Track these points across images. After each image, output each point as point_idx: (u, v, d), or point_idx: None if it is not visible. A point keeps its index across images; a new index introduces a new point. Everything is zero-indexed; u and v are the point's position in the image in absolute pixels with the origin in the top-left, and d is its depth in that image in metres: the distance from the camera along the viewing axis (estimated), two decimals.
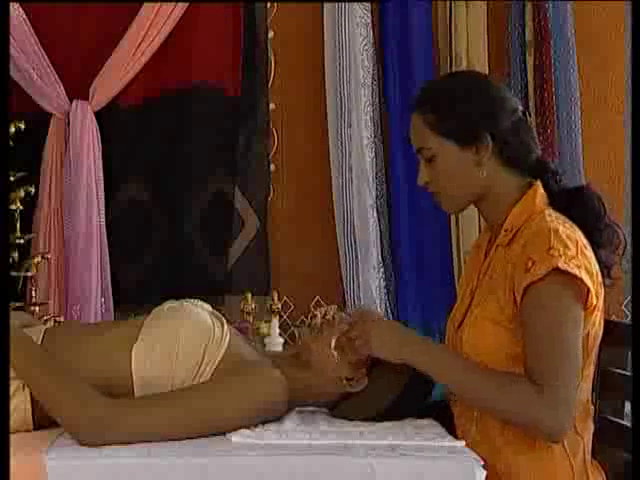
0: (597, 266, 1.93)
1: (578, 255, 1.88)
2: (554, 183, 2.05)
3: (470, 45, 3.56)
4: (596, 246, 1.97)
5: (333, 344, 2.01)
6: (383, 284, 3.56)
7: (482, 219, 2.16)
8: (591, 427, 2.00)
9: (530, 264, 1.87)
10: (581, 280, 1.86)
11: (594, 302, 1.90)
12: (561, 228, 1.91)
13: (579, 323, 1.89)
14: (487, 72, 3.53)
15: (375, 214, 3.57)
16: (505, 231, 2.00)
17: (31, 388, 1.87)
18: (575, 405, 1.88)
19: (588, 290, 1.88)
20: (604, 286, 1.97)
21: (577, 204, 2.01)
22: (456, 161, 2.01)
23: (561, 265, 1.84)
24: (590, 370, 1.98)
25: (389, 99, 3.62)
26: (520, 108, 2.06)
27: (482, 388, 1.91)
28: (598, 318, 1.95)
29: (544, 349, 1.85)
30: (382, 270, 3.56)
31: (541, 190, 2.02)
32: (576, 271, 1.85)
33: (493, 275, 1.99)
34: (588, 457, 1.98)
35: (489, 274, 2.01)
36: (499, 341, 1.94)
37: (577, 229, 1.95)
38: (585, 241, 1.94)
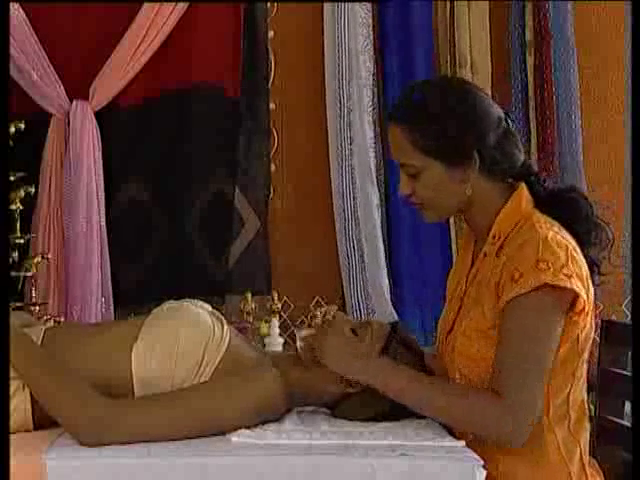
0: (587, 268, 1.91)
1: (568, 262, 1.85)
2: (539, 186, 2.02)
3: (473, 45, 3.56)
4: (586, 246, 1.95)
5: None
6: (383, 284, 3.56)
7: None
8: (587, 427, 1.98)
9: (517, 275, 1.85)
10: (570, 290, 1.84)
11: (584, 306, 1.88)
12: (550, 234, 1.88)
13: (555, 338, 1.87)
14: (490, 71, 3.54)
15: (380, 214, 3.56)
16: (493, 238, 1.97)
17: (31, 388, 1.87)
18: (536, 413, 1.85)
19: (577, 295, 1.86)
20: (595, 285, 1.95)
21: (564, 206, 1.99)
22: (442, 178, 1.96)
23: (549, 280, 1.82)
24: (583, 370, 1.96)
25: (389, 99, 3.62)
26: (503, 116, 2.00)
27: (435, 399, 1.88)
28: (589, 319, 1.92)
29: (514, 362, 1.83)
30: (382, 270, 3.55)
31: (526, 193, 1.98)
32: (566, 283, 1.83)
33: (480, 284, 1.96)
34: (586, 458, 1.96)
35: (476, 282, 1.99)
36: (486, 350, 1.92)
37: (566, 232, 1.92)
38: (574, 244, 1.91)
